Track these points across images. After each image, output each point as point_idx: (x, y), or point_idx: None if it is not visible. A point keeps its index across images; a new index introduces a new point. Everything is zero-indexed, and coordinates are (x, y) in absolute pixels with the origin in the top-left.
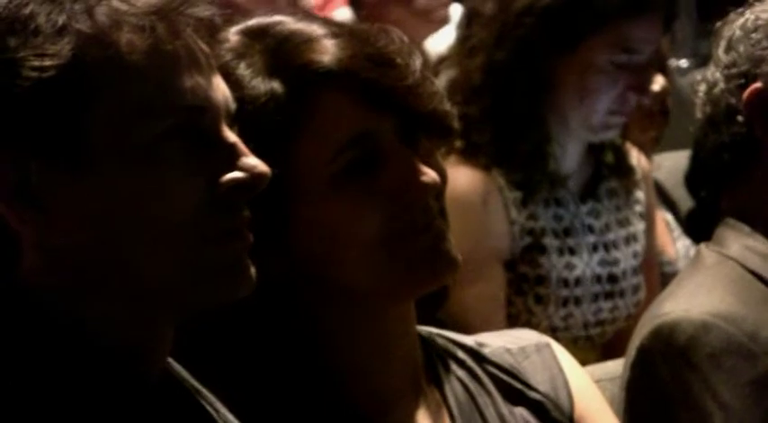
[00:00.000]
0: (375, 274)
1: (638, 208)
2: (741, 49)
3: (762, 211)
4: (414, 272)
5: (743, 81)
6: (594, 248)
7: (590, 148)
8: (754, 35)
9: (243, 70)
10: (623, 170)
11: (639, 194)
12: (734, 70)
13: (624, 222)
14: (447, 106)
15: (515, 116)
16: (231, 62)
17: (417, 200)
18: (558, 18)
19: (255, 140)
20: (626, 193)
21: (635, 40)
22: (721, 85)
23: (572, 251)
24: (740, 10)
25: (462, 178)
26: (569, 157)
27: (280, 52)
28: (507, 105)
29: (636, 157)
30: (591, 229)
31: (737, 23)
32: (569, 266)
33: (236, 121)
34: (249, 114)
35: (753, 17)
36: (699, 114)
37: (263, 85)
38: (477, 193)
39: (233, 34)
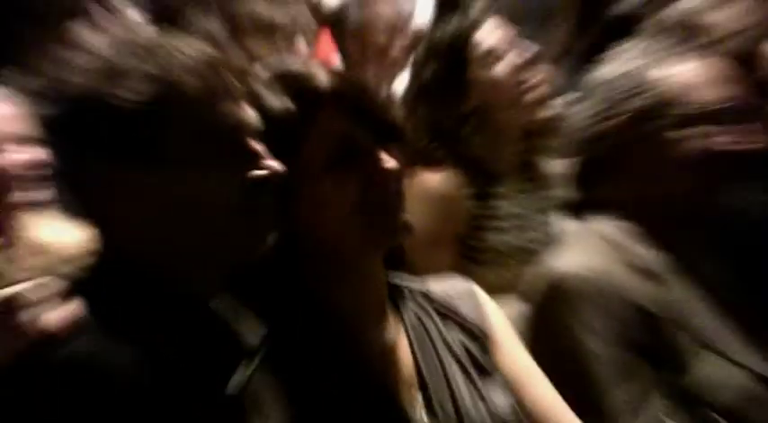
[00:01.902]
0: (352, 233)
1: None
2: (602, 94)
3: (621, 205)
4: (379, 233)
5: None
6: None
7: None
8: (615, 83)
9: (262, 90)
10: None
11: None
12: (599, 108)
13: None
14: (402, 119)
15: (450, 128)
16: (256, 86)
17: (384, 179)
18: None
19: (275, 140)
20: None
21: None
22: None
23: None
24: (604, 56)
25: (431, 180)
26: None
27: (290, 80)
28: (440, 117)
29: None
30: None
31: (601, 71)
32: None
33: (261, 127)
34: (270, 121)
35: (615, 65)
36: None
37: (280, 102)
38: (440, 190)
39: (258, 69)
